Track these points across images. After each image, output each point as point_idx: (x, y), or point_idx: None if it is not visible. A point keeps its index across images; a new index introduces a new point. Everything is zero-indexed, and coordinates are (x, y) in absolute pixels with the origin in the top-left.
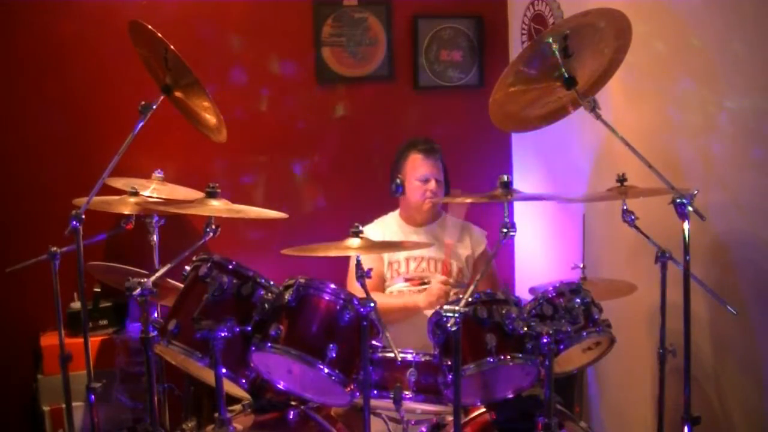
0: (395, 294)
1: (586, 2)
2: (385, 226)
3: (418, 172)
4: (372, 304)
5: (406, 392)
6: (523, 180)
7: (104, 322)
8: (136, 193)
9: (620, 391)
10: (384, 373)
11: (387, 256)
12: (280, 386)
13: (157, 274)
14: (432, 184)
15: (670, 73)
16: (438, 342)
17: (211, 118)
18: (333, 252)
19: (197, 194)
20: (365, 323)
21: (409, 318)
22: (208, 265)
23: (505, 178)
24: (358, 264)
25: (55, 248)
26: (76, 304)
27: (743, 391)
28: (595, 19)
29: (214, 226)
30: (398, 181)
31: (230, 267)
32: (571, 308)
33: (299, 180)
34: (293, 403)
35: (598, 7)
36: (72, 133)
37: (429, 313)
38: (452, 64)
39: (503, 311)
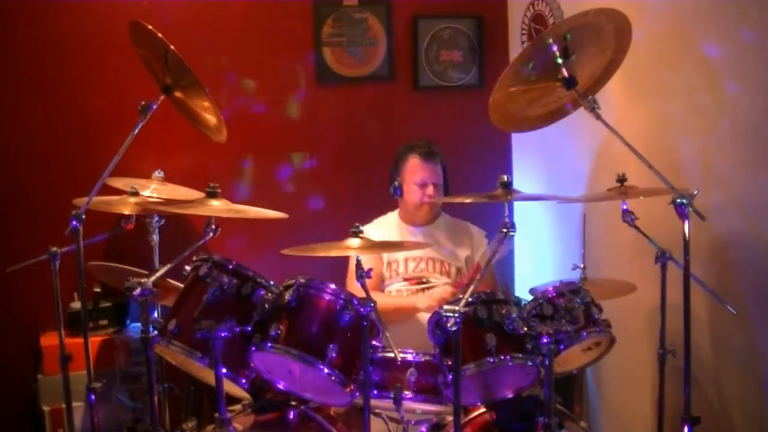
0: (394, 294)
1: (586, 2)
2: (385, 226)
3: (416, 176)
4: (372, 304)
5: (406, 392)
6: (523, 180)
7: (104, 322)
8: (136, 193)
9: (620, 391)
10: (384, 373)
11: (386, 255)
12: (280, 386)
13: (157, 274)
14: (430, 189)
15: (670, 73)
16: (438, 342)
17: (211, 118)
18: (333, 252)
19: (197, 194)
20: (365, 323)
21: (406, 319)
22: (208, 265)
23: (505, 178)
24: (358, 264)
25: (55, 248)
26: (76, 304)
27: (743, 391)
28: (595, 19)
29: (214, 226)
30: (396, 183)
31: (230, 267)
32: (571, 308)
33: (299, 180)
34: (293, 403)
35: (598, 7)
36: (72, 133)
37: (427, 315)
38: (452, 64)
39: (503, 311)
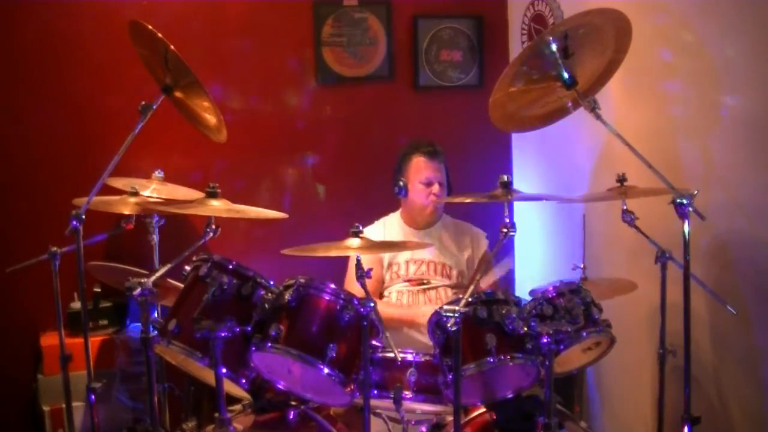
0: (394, 294)
1: (586, 2)
2: (387, 228)
3: (422, 175)
4: (372, 304)
5: (406, 392)
6: (523, 180)
7: (104, 322)
8: (136, 193)
9: (620, 391)
10: (384, 373)
11: (387, 257)
12: (280, 386)
13: (157, 274)
14: (435, 188)
15: (670, 73)
16: (438, 342)
17: (211, 118)
18: (333, 252)
19: (197, 194)
20: (365, 323)
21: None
22: (208, 265)
23: (505, 178)
24: (358, 264)
25: (55, 248)
26: (76, 304)
27: (743, 391)
28: (595, 19)
29: (214, 226)
30: (401, 183)
31: (230, 267)
32: (571, 308)
33: (299, 180)
34: (293, 403)
35: (598, 7)
36: (72, 133)
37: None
38: (452, 64)
39: (503, 311)
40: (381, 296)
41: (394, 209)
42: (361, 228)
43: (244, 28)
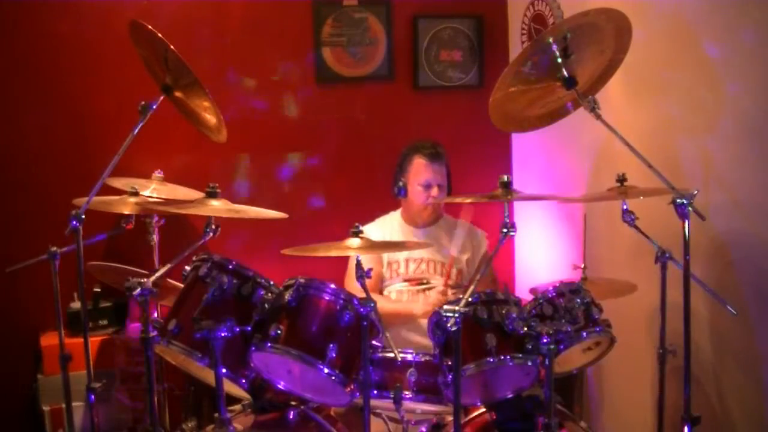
0: (394, 294)
1: (586, 2)
2: (386, 226)
3: (422, 178)
4: (372, 304)
5: (406, 392)
6: (523, 180)
7: (104, 322)
8: (136, 193)
9: (620, 391)
10: (384, 373)
11: (386, 256)
12: (280, 386)
13: (157, 274)
14: (434, 191)
15: (670, 73)
16: (438, 342)
17: (211, 118)
18: (333, 252)
19: (197, 194)
20: (365, 323)
21: (403, 324)
22: (208, 265)
23: (505, 178)
24: (358, 264)
25: (55, 248)
26: (76, 304)
27: (743, 391)
28: (595, 19)
29: (214, 226)
30: (401, 183)
31: (230, 267)
32: (571, 308)
33: (299, 180)
34: (293, 403)
35: (598, 7)
36: (72, 133)
37: (424, 322)
38: (452, 64)
39: (503, 311)
40: (381, 293)
41: (394, 209)
42: (361, 228)
43: (244, 28)
